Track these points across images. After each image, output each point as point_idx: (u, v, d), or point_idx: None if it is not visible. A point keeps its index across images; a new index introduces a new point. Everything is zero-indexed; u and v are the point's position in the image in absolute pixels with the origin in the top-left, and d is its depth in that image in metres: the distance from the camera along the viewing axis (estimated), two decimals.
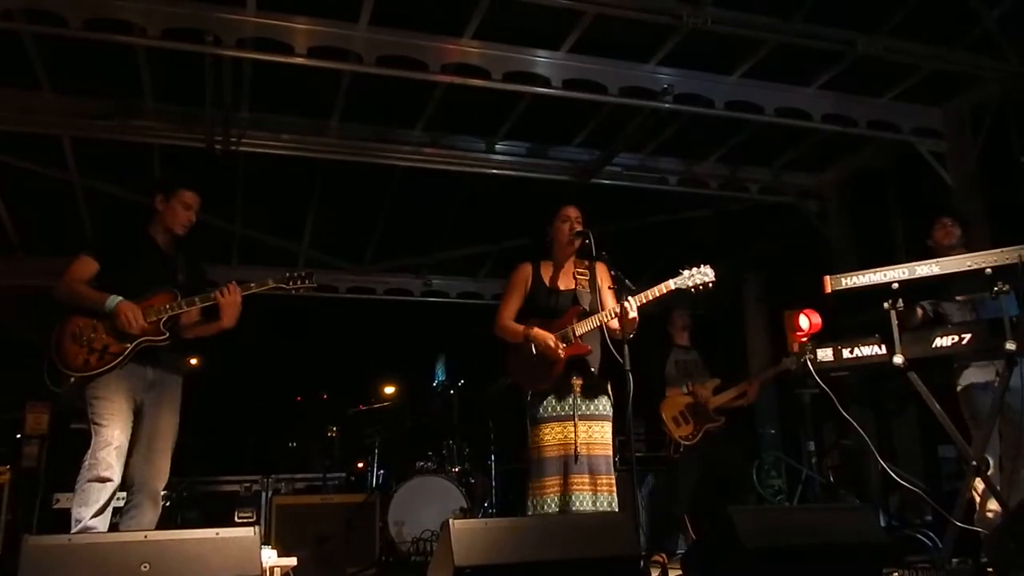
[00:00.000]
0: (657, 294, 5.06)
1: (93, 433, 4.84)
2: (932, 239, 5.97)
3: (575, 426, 5.08)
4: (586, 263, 5.37)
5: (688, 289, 5.07)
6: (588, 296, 5.29)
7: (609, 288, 5.23)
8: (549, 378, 5.15)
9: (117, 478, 4.80)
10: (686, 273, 5.09)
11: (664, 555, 5.84)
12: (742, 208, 10.04)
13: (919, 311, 5.52)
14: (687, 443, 7.83)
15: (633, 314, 4.94)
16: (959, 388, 5.58)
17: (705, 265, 5.10)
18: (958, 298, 5.49)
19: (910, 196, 8.79)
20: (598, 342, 5.23)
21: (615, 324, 4.99)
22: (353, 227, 10.38)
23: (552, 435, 5.09)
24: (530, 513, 4.99)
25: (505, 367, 5.45)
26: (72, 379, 4.83)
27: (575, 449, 5.03)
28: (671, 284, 5.08)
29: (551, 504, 4.99)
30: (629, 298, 4.94)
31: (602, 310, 5.15)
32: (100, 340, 4.86)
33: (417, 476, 8.20)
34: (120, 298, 4.88)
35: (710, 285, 5.09)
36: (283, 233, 10.19)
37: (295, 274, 5.28)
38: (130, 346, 4.88)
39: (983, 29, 6.98)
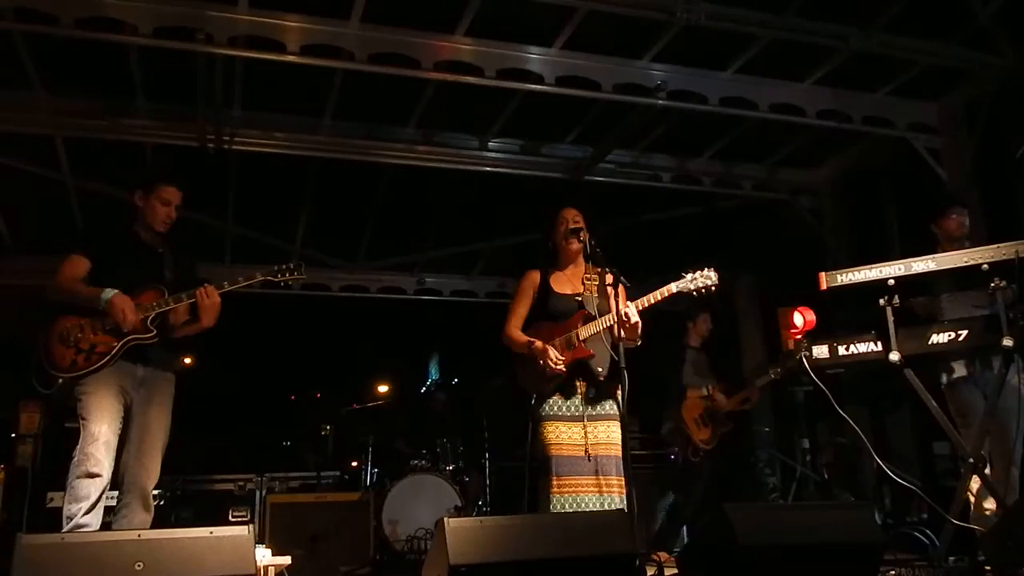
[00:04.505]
0: (658, 298, 4.94)
1: (81, 429, 4.82)
2: (940, 228, 5.90)
3: (584, 427, 5.06)
4: (597, 269, 5.32)
5: (690, 292, 4.94)
6: (595, 301, 5.21)
7: (610, 286, 5.17)
8: (553, 383, 5.12)
9: (106, 473, 4.77)
10: (688, 276, 4.95)
11: (665, 553, 5.82)
12: (736, 205, 10.05)
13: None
14: (706, 447, 7.84)
15: (635, 319, 4.87)
16: (944, 383, 5.55)
17: (709, 268, 4.94)
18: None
19: (904, 192, 8.79)
20: (606, 345, 5.13)
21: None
22: (346, 225, 10.36)
23: (557, 433, 5.06)
24: (555, 510, 4.92)
25: (512, 373, 5.42)
26: (60, 380, 4.81)
27: (585, 450, 5.02)
28: (672, 288, 4.94)
29: (570, 503, 4.95)
30: (629, 304, 4.89)
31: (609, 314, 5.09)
32: (87, 340, 4.82)
33: (411, 475, 8.20)
34: (115, 291, 4.84)
35: (713, 289, 4.93)
36: (276, 231, 10.17)
37: (284, 266, 5.22)
38: (117, 345, 4.84)
39: (978, 24, 6.96)
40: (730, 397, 8.03)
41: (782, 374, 7.64)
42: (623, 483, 4.99)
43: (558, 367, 5.04)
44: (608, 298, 5.09)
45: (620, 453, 5.05)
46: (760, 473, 9.55)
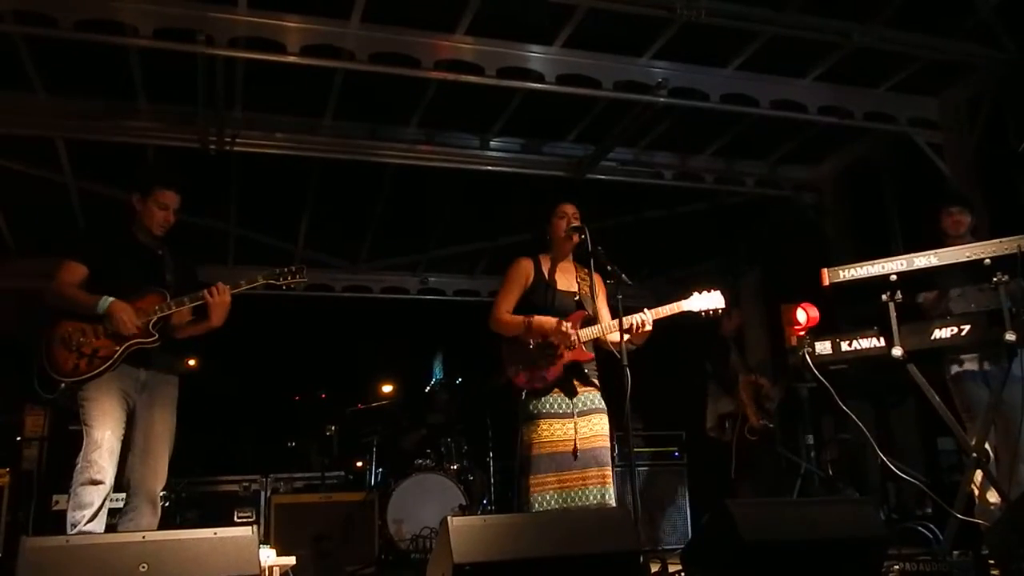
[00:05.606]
0: (668, 312, 5.15)
1: (84, 435, 4.82)
2: (940, 228, 5.91)
3: (575, 424, 5.07)
4: (587, 270, 5.34)
5: (697, 313, 5.18)
6: (591, 303, 5.27)
7: (603, 288, 5.26)
8: (546, 378, 5.13)
9: (109, 480, 4.77)
10: (696, 296, 5.21)
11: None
12: (738, 202, 10.04)
13: None
14: (763, 429, 8.03)
15: (649, 327, 5.07)
16: (949, 376, 5.55)
17: (715, 290, 5.23)
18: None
19: (907, 188, 8.77)
20: (591, 346, 5.25)
21: (614, 338, 4.97)
22: (348, 225, 10.35)
23: (550, 431, 5.06)
24: (535, 509, 4.95)
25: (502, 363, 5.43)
26: (62, 385, 4.80)
27: (574, 446, 5.03)
28: (682, 305, 5.19)
29: (553, 500, 4.96)
30: (646, 311, 5.06)
31: (599, 322, 5.16)
32: (89, 344, 4.82)
33: (416, 474, 8.19)
34: (112, 299, 4.84)
35: (719, 312, 5.22)
36: (278, 232, 10.17)
37: (285, 269, 5.21)
38: (119, 349, 4.84)
39: (979, 18, 6.94)
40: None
41: (787, 372, 7.70)
42: (605, 474, 5.05)
43: (573, 337, 5.06)
44: (596, 303, 5.18)
45: (606, 444, 5.16)
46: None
